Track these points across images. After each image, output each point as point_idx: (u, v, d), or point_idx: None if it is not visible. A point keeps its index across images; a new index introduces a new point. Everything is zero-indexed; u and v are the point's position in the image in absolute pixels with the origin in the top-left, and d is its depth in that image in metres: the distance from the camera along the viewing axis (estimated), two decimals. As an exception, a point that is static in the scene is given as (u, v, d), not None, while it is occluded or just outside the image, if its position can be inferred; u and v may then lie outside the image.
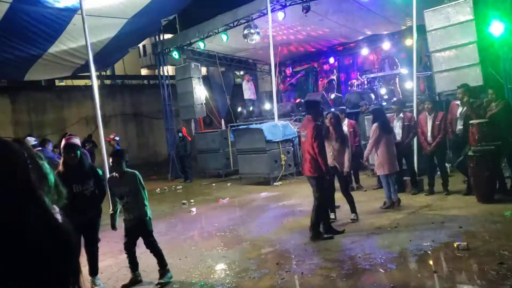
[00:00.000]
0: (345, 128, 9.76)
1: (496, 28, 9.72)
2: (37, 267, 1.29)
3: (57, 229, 1.41)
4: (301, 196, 10.02)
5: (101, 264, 6.51)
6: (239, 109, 17.77)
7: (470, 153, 7.91)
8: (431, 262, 5.29)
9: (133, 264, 5.69)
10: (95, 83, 9.95)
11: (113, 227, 5.69)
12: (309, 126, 6.72)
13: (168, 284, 5.49)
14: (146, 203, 5.56)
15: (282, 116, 14.70)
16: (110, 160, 5.62)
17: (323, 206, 6.90)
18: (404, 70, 14.46)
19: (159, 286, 5.46)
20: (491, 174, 7.72)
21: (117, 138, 10.66)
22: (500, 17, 9.72)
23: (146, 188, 5.72)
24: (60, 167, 5.39)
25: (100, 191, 5.59)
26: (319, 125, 6.85)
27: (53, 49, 11.89)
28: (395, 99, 10.94)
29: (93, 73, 9.90)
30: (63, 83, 22.77)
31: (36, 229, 1.33)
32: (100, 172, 5.79)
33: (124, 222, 5.66)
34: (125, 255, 5.77)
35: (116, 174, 5.59)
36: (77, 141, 5.70)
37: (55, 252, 1.35)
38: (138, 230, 5.62)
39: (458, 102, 8.76)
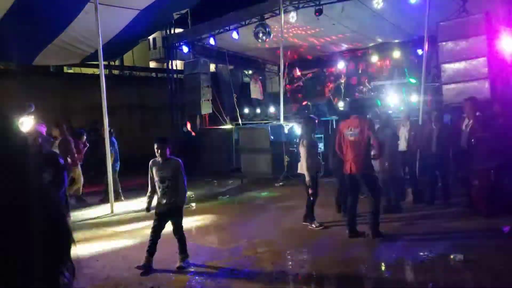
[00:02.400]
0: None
1: (508, 43, 9.71)
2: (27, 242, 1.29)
3: (49, 204, 1.41)
4: (301, 198, 9.97)
5: (98, 251, 6.55)
6: (245, 108, 17.76)
7: (472, 166, 7.90)
8: (426, 272, 5.29)
9: (153, 249, 5.84)
10: (103, 72, 9.98)
11: (148, 209, 6.08)
12: (363, 123, 6.76)
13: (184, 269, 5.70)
14: (186, 189, 5.87)
15: (287, 117, 14.68)
16: (155, 146, 5.71)
17: (380, 202, 6.98)
18: (412, 80, 14.45)
19: (178, 269, 5.72)
20: (492, 189, 7.71)
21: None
22: (511, 33, 9.71)
23: (148, 181, 5.82)
24: None
25: (60, 181, 5.61)
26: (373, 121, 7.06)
27: (63, 35, 11.91)
28: (402, 107, 10.93)
29: (102, 62, 9.93)
30: (71, 70, 22.82)
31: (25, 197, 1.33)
32: (61, 161, 5.84)
33: (158, 206, 5.87)
34: (131, 242, 5.85)
35: (159, 159, 5.75)
36: (41, 129, 5.74)
37: (46, 227, 1.35)
38: (172, 214, 5.84)
39: (465, 114, 8.75)
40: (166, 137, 6.13)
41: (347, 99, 15.77)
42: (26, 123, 7.54)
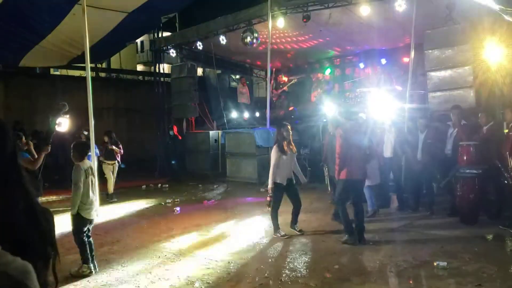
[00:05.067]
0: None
1: (493, 53, 9.82)
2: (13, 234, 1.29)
3: (34, 206, 1.41)
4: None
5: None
6: (232, 112, 17.76)
7: (457, 174, 7.97)
8: (409, 279, 5.31)
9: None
10: (89, 75, 9.90)
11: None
12: (364, 128, 7.18)
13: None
14: (76, 200, 5.62)
15: (274, 123, 14.68)
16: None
17: None
18: (398, 87, 14.55)
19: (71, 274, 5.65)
20: (476, 197, 7.77)
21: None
22: (496, 42, 9.83)
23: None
24: None
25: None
26: None
27: (50, 37, 11.80)
28: (387, 114, 10.98)
29: (88, 64, 9.85)
30: (58, 72, 22.64)
31: (16, 200, 1.33)
32: None
33: None
34: (106, 248, 5.82)
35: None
36: None
37: (31, 225, 1.35)
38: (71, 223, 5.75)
39: (450, 122, 8.84)
40: (78, 142, 6.18)
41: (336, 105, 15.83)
42: (63, 124, 7.50)
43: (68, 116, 9.92)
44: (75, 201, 5.61)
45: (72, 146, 5.94)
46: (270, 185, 7.35)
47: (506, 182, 7.41)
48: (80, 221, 5.70)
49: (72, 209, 5.63)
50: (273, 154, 7.42)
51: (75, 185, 5.62)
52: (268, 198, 7.44)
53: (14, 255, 1.23)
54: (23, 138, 7.01)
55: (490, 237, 6.97)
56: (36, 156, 6.61)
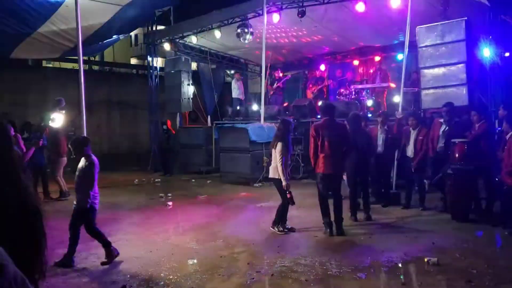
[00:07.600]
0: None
1: (486, 51, 9.86)
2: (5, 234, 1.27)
3: (27, 202, 1.39)
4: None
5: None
6: (226, 107, 17.72)
7: (449, 171, 7.99)
8: (400, 275, 5.32)
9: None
10: (82, 68, 9.82)
11: None
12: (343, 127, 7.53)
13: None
14: (90, 192, 5.80)
15: (268, 118, 14.66)
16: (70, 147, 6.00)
17: None
18: (392, 84, 14.56)
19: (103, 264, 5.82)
20: (467, 194, 7.82)
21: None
22: (489, 41, 9.87)
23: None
24: None
25: None
26: None
27: (43, 28, 11.73)
28: (380, 111, 11.01)
29: (81, 57, 9.77)
30: (50, 65, 22.51)
31: (10, 195, 1.31)
32: None
33: None
34: (96, 242, 5.82)
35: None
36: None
37: (22, 221, 1.34)
38: (78, 214, 5.88)
39: (442, 120, 8.85)
40: (78, 139, 6.24)
41: (323, 102, 15.84)
42: (58, 119, 7.52)
43: (63, 111, 9.84)
44: (89, 194, 5.86)
45: (73, 144, 6.02)
46: (285, 182, 7.24)
47: (496, 179, 7.44)
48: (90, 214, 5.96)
49: (86, 202, 5.86)
50: (281, 151, 7.26)
51: (90, 178, 5.88)
52: (288, 195, 7.33)
53: None
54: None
55: (480, 234, 7.01)
56: (24, 150, 6.58)
